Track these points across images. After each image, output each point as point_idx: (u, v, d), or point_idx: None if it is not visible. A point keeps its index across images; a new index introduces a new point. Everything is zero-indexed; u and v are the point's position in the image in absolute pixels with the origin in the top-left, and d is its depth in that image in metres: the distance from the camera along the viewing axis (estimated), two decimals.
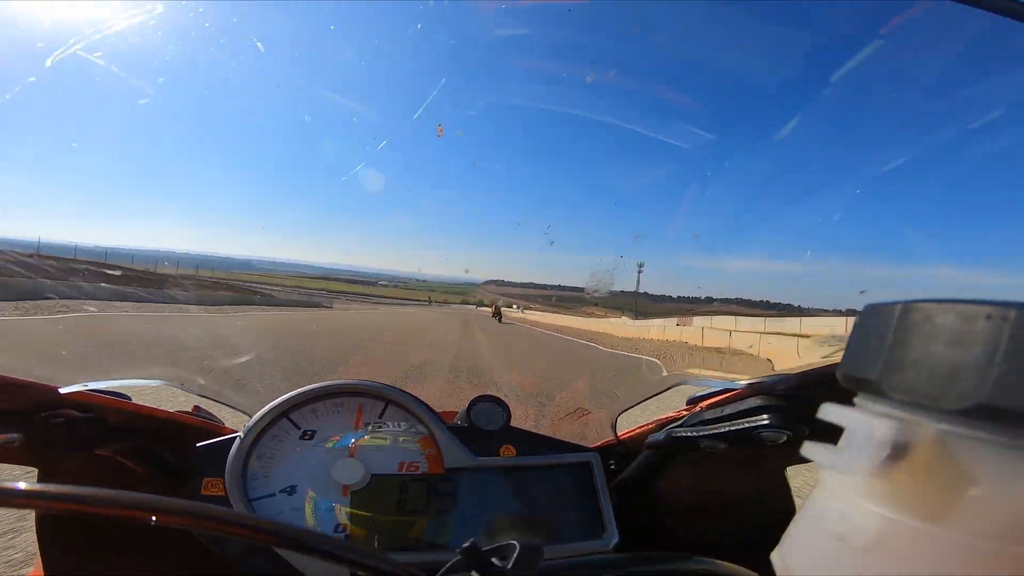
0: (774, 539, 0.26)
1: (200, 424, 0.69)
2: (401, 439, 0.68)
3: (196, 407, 0.86)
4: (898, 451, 0.20)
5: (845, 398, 0.25)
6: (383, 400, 0.70)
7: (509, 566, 0.33)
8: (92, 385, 0.58)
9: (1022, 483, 0.17)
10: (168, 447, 0.62)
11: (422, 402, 0.70)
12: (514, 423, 0.74)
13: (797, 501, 0.64)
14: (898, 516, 0.20)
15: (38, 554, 0.54)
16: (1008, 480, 0.18)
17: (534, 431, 0.75)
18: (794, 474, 0.66)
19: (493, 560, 0.34)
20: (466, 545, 0.36)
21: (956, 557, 0.18)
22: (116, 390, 0.62)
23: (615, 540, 0.66)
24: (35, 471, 0.57)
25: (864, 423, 0.22)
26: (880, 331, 0.22)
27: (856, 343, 0.24)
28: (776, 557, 0.25)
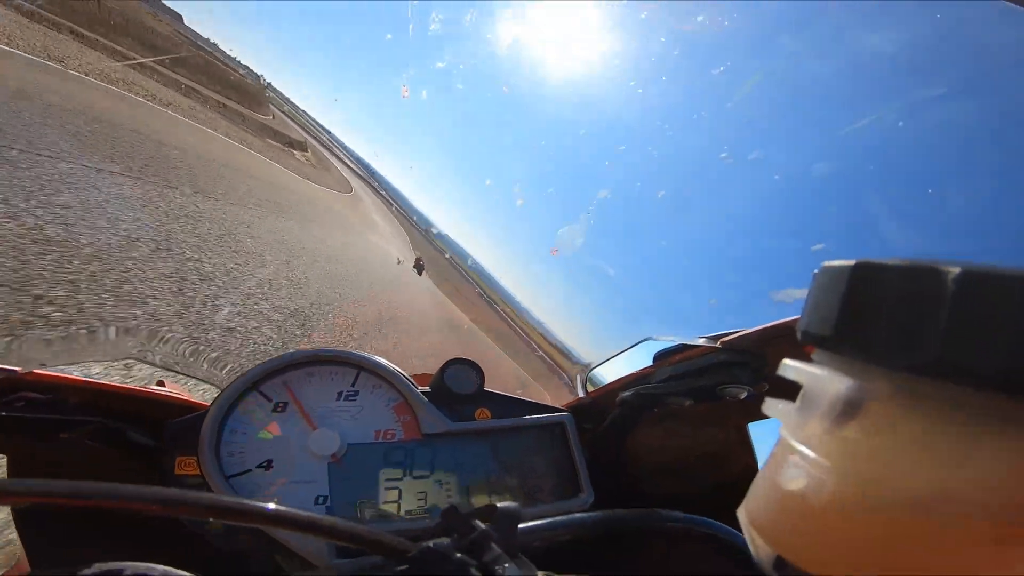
0: (737, 493, 0.27)
1: (167, 400, 0.67)
2: (375, 407, 0.68)
3: (161, 381, 0.84)
4: (852, 407, 0.21)
5: (804, 354, 0.26)
6: (354, 368, 0.70)
7: (491, 528, 0.34)
8: (49, 365, 0.56)
9: (968, 441, 0.18)
10: (136, 426, 0.60)
11: (395, 368, 0.71)
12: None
13: (760, 456, 0.67)
14: (855, 472, 0.21)
15: (21, 547, 0.53)
16: (956, 438, 0.19)
17: (507, 393, 0.77)
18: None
19: (474, 523, 0.35)
20: (446, 509, 0.37)
21: (915, 513, 0.19)
22: (76, 369, 0.60)
23: (591, 499, 0.68)
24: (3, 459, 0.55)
25: (819, 379, 0.23)
26: (834, 289, 0.23)
27: (813, 301, 0.24)
28: (742, 513, 0.26)
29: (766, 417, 0.27)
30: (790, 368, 0.25)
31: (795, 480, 0.23)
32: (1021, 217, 61.33)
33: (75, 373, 0.60)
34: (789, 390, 0.26)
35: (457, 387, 0.72)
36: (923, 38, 37.99)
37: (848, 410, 0.21)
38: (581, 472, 0.71)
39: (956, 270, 0.18)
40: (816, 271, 0.25)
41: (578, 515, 0.58)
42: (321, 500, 0.60)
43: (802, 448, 0.23)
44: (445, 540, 0.34)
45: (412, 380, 0.71)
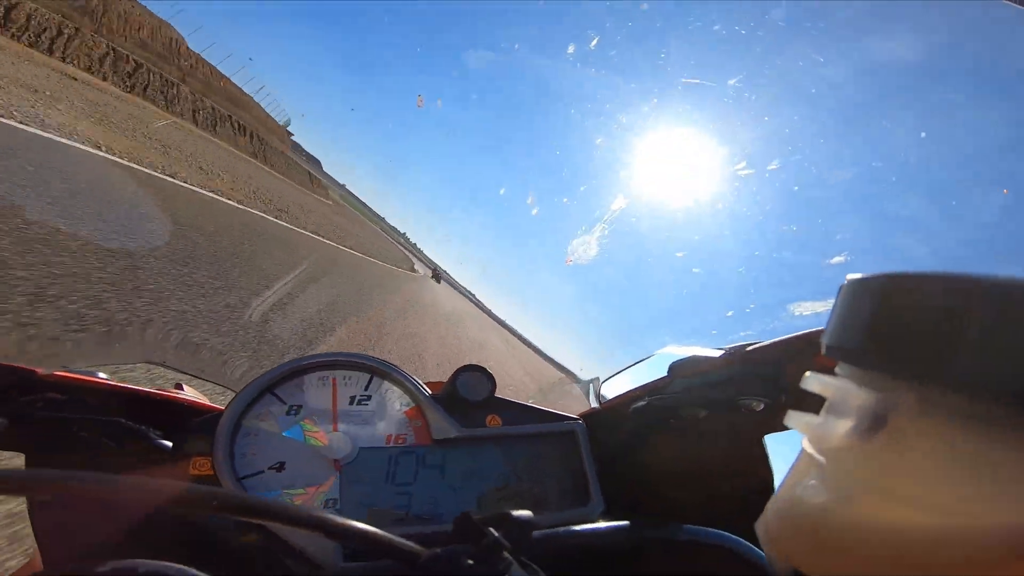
0: (753, 507, 0.27)
1: (184, 402, 0.68)
2: (387, 411, 0.69)
3: (178, 384, 0.85)
4: (878, 421, 0.20)
5: (826, 367, 0.25)
6: (368, 372, 0.70)
7: (503, 536, 0.34)
8: (69, 367, 0.57)
9: (999, 456, 0.18)
10: (152, 426, 0.61)
11: (407, 373, 0.71)
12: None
13: (776, 469, 0.66)
14: (880, 486, 0.20)
15: (35, 541, 0.54)
16: (986, 453, 0.18)
17: (520, 401, 0.76)
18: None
19: (486, 530, 0.35)
20: (459, 515, 0.36)
21: (938, 529, 0.18)
22: (95, 370, 0.60)
23: (600, 509, 0.68)
24: (22, 457, 0.56)
25: (845, 392, 0.22)
26: (862, 302, 0.22)
27: (839, 313, 0.24)
28: (760, 527, 0.26)
29: (784, 429, 0.26)
30: (814, 381, 0.25)
31: (818, 495, 0.22)
32: None
33: (100, 374, 0.61)
34: (809, 402, 0.25)
35: (468, 393, 0.72)
36: (945, 44, 38.60)
37: (875, 424, 0.20)
38: (591, 481, 0.70)
39: (987, 283, 0.17)
40: (843, 284, 0.24)
41: (592, 525, 0.57)
42: (331, 503, 0.60)
43: (826, 461, 0.22)
44: (456, 546, 0.34)
45: (425, 386, 0.71)
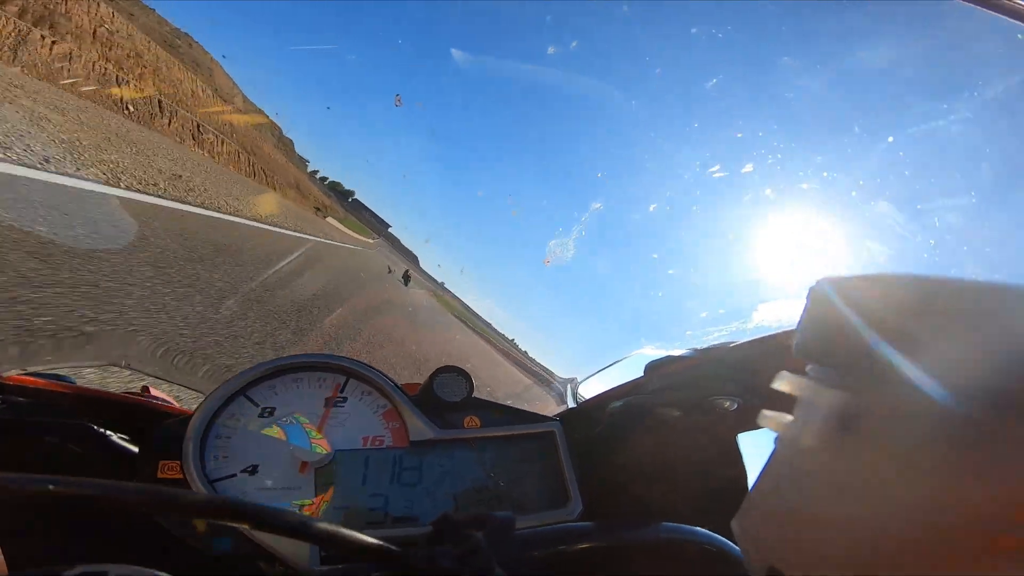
0: (727, 504, 0.27)
1: (151, 405, 0.66)
2: (364, 413, 0.68)
3: (145, 387, 0.83)
4: (848, 421, 0.21)
5: (794, 366, 0.26)
6: (343, 374, 0.69)
7: (483, 537, 0.34)
8: (32, 369, 0.55)
9: (964, 455, 0.18)
10: (118, 430, 0.59)
11: (384, 374, 0.70)
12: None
13: (749, 468, 0.67)
14: (851, 485, 0.21)
15: None
16: (952, 452, 0.18)
17: (497, 402, 0.76)
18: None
19: (466, 531, 0.35)
20: (438, 516, 0.36)
21: (909, 527, 0.19)
22: (59, 373, 0.59)
23: (579, 509, 0.68)
24: None
25: (816, 393, 0.23)
26: (831, 304, 0.23)
27: (809, 315, 0.24)
28: (736, 525, 0.26)
29: (756, 428, 0.27)
30: (785, 381, 0.25)
31: (791, 493, 0.22)
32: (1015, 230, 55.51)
33: (64, 377, 0.59)
34: (781, 402, 0.26)
35: (445, 395, 0.72)
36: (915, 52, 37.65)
37: (845, 424, 0.21)
38: (570, 482, 0.70)
39: (951, 285, 0.18)
40: (812, 286, 0.25)
41: (572, 525, 0.57)
42: (306, 506, 0.59)
43: (799, 460, 0.23)
44: (438, 547, 0.33)
45: (402, 387, 0.71)
